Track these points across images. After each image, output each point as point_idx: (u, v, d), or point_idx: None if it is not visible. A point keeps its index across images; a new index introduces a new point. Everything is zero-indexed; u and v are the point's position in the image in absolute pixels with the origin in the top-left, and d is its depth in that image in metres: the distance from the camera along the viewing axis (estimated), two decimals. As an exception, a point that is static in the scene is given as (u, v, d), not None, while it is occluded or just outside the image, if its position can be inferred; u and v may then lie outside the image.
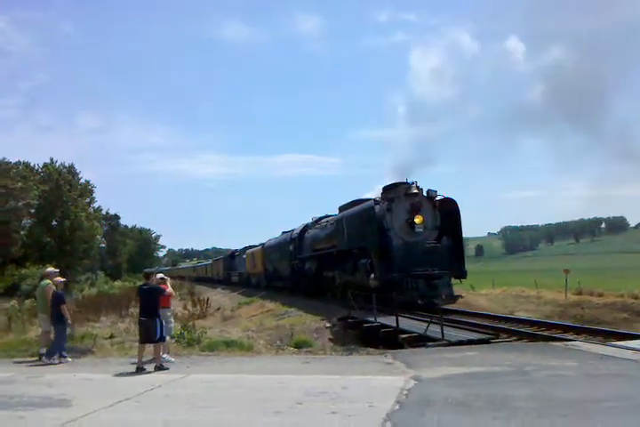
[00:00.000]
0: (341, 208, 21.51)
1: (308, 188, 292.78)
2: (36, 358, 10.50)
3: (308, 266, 25.35)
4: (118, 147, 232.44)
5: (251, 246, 43.15)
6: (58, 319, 10.33)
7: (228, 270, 52.02)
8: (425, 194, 17.23)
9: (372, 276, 16.24)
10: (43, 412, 6.33)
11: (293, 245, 27.55)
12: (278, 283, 32.81)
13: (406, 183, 17.28)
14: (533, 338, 10.65)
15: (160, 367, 8.89)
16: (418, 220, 16.62)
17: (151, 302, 9.21)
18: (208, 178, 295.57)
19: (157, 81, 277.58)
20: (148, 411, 6.31)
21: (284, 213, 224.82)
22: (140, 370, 8.84)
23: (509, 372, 7.16)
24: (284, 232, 32.59)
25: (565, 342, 9.46)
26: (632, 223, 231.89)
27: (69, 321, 10.60)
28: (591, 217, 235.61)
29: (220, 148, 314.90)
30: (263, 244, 37.05)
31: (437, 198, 17.43)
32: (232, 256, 51.97)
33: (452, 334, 10.76)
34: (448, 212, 17.20)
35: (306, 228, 26.50)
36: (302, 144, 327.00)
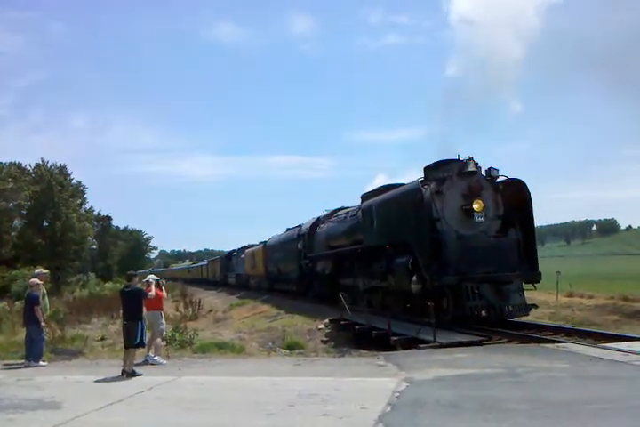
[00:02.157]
0: (366, 197, 17.38)
1: (302, 189, 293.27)
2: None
3: (322, 266, 21.38)
4: (110, 147, 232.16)
5: (250, 246, 40.05)
6: (31, 321, 10.25)
7: (225, 271, 49.40)
8: (483, 173, 13.44)
9: (414, 279, 12.70)
10: (33, 414, 6.28)
11: (302, 242, 24.12)
12: (283, 285, 29.52)
13: (459, 160, 13.42)
14: (524, 340, 10.68)
15: (131, 373, 8.59)
16: (477, 206, 12.95)
17: (133, 305, 9.04)
18: (200, 179, 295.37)
19: (150, 81, 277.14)
20: (139, 413, 6.28)
21: (277, 215, 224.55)
22: (128, 374, 8.65)
23: (501, 374, 7.19)
24: (288, 228, 29.27)
25: (556, 344, 9.50)
26: (623, 226, 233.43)
27: (43, 323, 10.44)
28: (582, 219, 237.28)
29: (212, 148, 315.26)
30: (265, 242, 33.57)
31: (499, 179, 13.70)
32: (229, 256, 48.79)
33: (444, 335, 10.77)
34: (513, 196, 13.49)
35: (318, 222, 22.86)
36: (295, 145, 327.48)
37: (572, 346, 9.22)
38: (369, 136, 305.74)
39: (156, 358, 9.98)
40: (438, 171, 13.66)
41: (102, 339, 15.21)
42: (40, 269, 11.90)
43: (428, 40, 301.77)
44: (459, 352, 9.12)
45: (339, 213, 20.66)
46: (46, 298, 11.11)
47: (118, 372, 8.76)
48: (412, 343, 10.93)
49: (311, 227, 23.21)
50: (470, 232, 12.94)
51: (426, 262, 12.44)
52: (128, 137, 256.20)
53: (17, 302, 21.86)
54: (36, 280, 10.72)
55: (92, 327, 18.45)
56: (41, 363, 10.10)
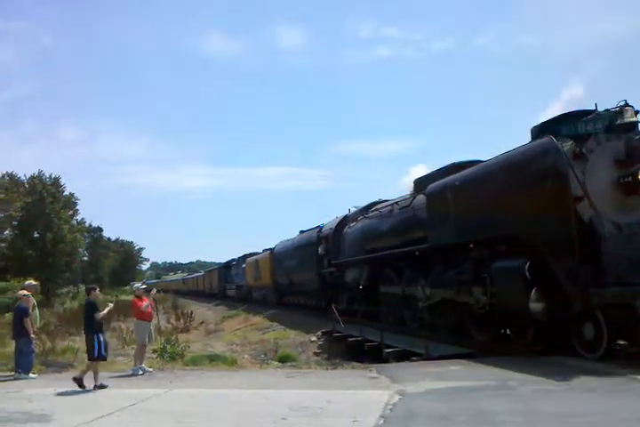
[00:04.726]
0: (425, 181, 12.90)
1: (294, 200, 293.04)
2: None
3: (354, 275, 17.02)
4: (101, 158, 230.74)
5: (252, 254, 36.67)
6: (21, 333, 10.17)
7: (224, 283, 46.28)
8: None
9: (533, 294, 8.50)
10: (22, 428, 6.23)
11: (324, 246, 20.33)
12: (297, 299, 26.00)
13: (596, 111, 9.16)
14: (516, 352, 10.66)
15: (100, 386, 8.49)
16: None
17: (86, 318, 9.06)
18: (192, 190, 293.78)
19: (140, 91, 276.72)
20: (130, 426, 6.23)
21: (270, 226, 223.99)
22: (96, 387, 8.53)
23: (493, 386, 7.18)
24: (302, 231, 25.40)
25: (549, 357, 9.49)
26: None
27: (33, 335, 10.40)
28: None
29: (203, 159, 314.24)
30: (272, 249, 29.87)
31: None
32: (228, 266, 45.38)
33: (437, 348, 10.75)
34: None
35: (345, 220, 18.80)
36: (287, 156, 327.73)
37: (565, 359, 9.22)
38: (360, 147, 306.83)
39: (136, 367, 10.01)
40: (572, 125, 9.11)
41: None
42: (30, 281, 11.86)
43: (418, 52, 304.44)
44: (451, 365, 9.10)
45: (378, 206, 16.23)
46: (36, 310, 11.06)
47: (108, 384, 8.70)
48: (404, 356, 10.92)
49: (337, 227, 19.17)
50: (632, 219, 8.47)
51: (569, 267, 8.13)
52: (118, 147, 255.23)
53: (6, 314, 21.66)
54: (24, 292, 10.72)
55: (83, 339, 18.27)
56: (31, 375, 10.02)
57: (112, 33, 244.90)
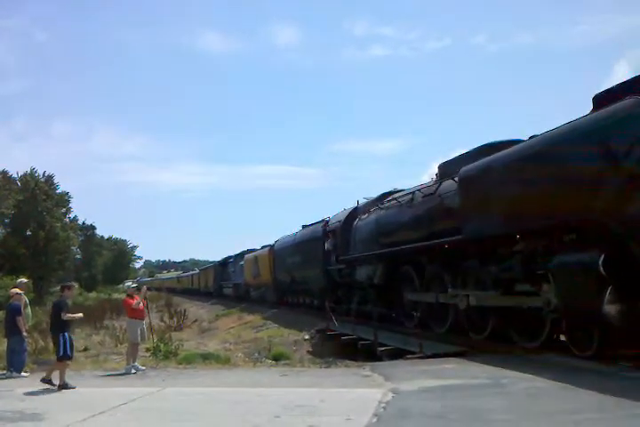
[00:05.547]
0: (448, 166, 11.82)
1: (290, 199, 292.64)
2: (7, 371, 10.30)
3: (366, 273, 15.43)
4: (95, 156, 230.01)
5: (250, 250, 35.01)
6: (12, 331, 10.14)
7: (220, 281, 44.56)
8: None
9: (608, 295, 7.14)
10: (13, 427, 6.19)
11: (332, 240, 18.75)
12: (299, 298, 24.81)
13: None
14: (509, 351, 10.69)
15: (64, 386, 8.40)
16: None
17: (53, 316, 9.01)
18: (186, 188, 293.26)
19: (135, 89, 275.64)
20: (123, 425, 6.20)
21: (265, 225, 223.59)
22: (60, 387, 8.43)
23: (486, 384, 7.19)
24: (305, 226, 23.80)
25: (541, 355, 9.52)
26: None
27: (25, 334, 10.38)
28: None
29: (200, 157, 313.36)
30: (272, 245, 28.35)
31: None
32: (225, 263, 43.49)
33: (430, 346, 10.77)
34: None
35: (355, 213, 17.24)
36: (283, 155, 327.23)
37: (558, 357, 9.25)
38: (358, 146, 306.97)
39: (129, 366, 9.99)
40: None
41: (85, 349, 15.04)
42: (21, 279, 11.82)
43: (412, 51, 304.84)
44: (444, 363, 9.12)
45: (395, 195, 14.68)
46: (29, 308, 11.04)
47: (101, 383, 8.69)
48: (398, 354, 10.94)
49: (346, 220, 17.65)
50: None
51: None
52: (113, 145, 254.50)
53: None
54: (16, 290, 10.68)
55: (75, 338, 18.17)
56: (22, 374, 9.99)
57: (107, 31, 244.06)
